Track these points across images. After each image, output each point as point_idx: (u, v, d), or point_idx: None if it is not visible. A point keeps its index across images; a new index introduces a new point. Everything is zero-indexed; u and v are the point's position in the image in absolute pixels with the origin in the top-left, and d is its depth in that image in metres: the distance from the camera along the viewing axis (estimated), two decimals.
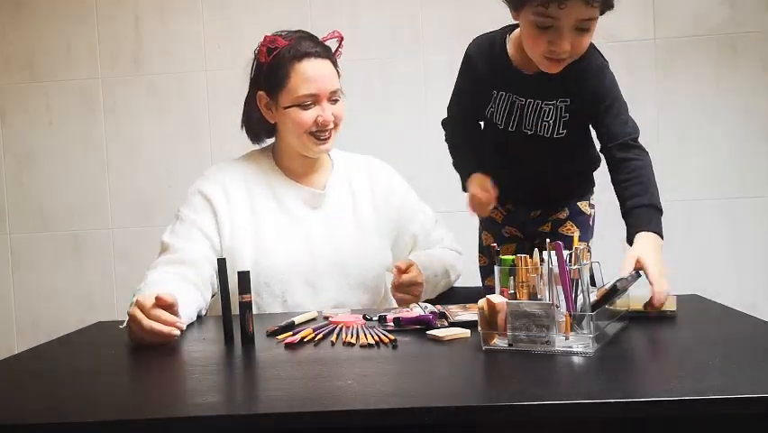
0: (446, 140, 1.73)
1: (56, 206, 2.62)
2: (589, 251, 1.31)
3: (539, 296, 1.24)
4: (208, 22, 2.56)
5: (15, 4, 2.59)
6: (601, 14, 1.40)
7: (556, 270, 1.22)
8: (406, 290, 1.71)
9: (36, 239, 2.62)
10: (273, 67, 1.73)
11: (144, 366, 1.30)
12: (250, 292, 1.38)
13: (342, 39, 1.79)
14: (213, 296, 1.68)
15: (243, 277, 1.38)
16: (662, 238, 1.40)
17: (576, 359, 1.14)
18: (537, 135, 1.56)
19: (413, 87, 2.49)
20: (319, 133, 1.73)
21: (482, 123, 1.68)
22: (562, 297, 1.22)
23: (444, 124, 1.73)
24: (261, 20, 2.53)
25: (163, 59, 2.57)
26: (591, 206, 1.71)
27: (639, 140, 1.52)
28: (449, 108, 1.72)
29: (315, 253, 1.75)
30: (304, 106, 1.71)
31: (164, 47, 2.57)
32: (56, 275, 2.62)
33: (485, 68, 1.57)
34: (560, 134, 1.55)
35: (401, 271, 1.69)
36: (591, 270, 1.31)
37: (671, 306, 1.42)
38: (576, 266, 1.23)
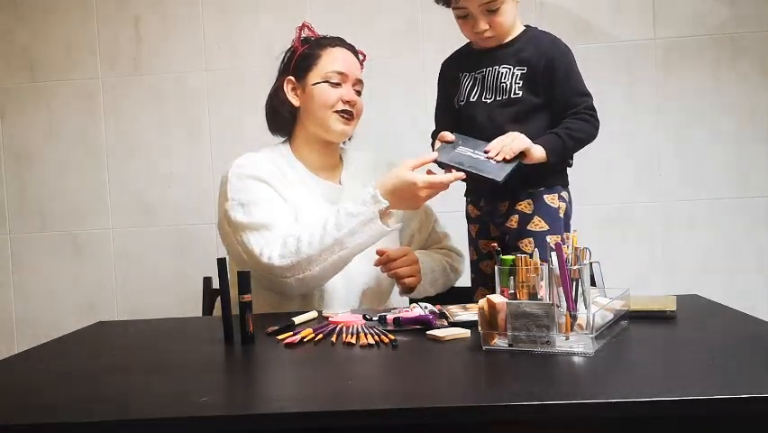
0: (432, 145, 1.79)
1: (56, 206, 2.62)
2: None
3: (539, 296, 1.24)
4: (208, 22, 2.56)
5: (15, 4, 2.59)
6: None
7: (557, 270, 1.22)
8: (403, 264, 1.74)
9: (36, 239, 2.62)
10: (305, 53, 1.85)
11: (144, 366, 1.29)
12: (250, 292, 1.38)
13: (365, 57, 1.92)
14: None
15: (243, 277, 1.38)
16: (549, 157, 1.61)
17: (576, 359, 1.14)
18: (496, 101, 1.68)
19: (413, 87, 2.49)
20: (344, 112, 1.81)
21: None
22: (562, 297, 1.22)
23: (432, 135, 1.81)
24: (261, 20, 2.53)
25: (163, 59, 2.57)
26: (562, 198, 1.70)
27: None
28: (435, 120, 1.83)
29: None
30: (332, 84, 1.82)
31: (164, 47, 2.57)
32: (56, 275, 2.62)
33: (455, 61, 1.81)
34: (516, 95, 1.66)
35: (382, 253, 1.74)
36: (591, 270, 1.31)
37: (671, 306, 1.42)
38: (576, 266, 1.23)
